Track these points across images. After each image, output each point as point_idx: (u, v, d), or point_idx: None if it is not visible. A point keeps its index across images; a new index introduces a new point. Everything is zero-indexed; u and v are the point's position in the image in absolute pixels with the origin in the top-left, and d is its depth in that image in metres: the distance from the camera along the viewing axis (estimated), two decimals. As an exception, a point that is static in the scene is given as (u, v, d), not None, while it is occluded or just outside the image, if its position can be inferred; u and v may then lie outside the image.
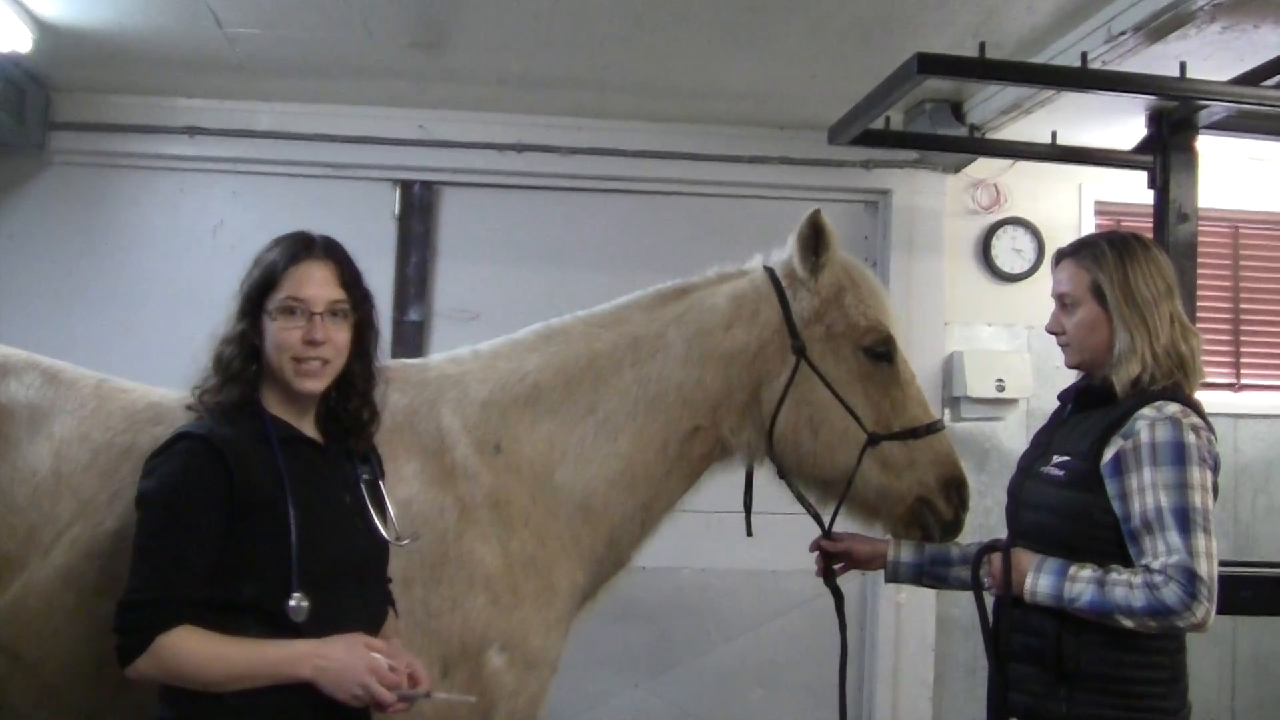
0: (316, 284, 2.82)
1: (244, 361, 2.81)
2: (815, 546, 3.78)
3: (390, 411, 3.31)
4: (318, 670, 2.61)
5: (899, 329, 3.69)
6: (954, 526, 3.62)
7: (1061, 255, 3.45)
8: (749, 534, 3.76)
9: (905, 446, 3.54)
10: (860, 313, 3.58)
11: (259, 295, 2.81)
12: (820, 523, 3.72)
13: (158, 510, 2.65)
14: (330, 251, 2.89)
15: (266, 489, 2.67)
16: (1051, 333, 3.46)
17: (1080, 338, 3.34)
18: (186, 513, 2.62)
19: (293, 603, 2.63)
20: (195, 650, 2.56)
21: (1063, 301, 3.39)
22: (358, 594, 2.83)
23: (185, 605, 2.58)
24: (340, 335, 2.86)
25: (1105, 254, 3.29)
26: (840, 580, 3.78)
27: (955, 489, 3.59)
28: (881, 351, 3.57)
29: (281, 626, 2.64)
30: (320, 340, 2.79)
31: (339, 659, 2.63)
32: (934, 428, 3.59)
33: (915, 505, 3.57)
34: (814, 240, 3.57)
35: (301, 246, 2.86)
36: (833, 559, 3.77)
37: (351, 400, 2.97)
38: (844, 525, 3.74)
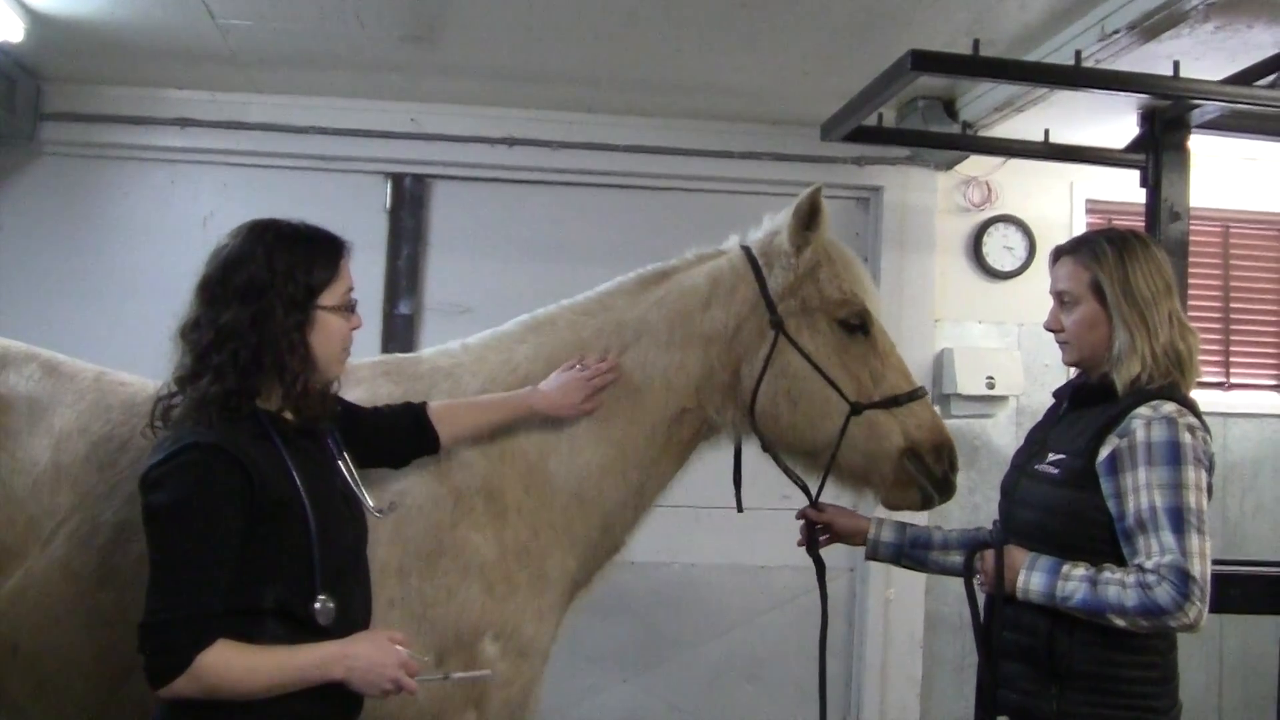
0: (351, 274, 2.90)
1: (301, 357, 2.77)
2: (801, 515, 3.79)
3: (385, 403, 3.32)
4: (349, 670, 2.61)
5: (887, 317, 3.72)
6: (946, 484, 3.59)
7: (1060, 252, 3.44)
8: (739, 510, 3.77)
9: (889, 414, 3.53)
10: (835, 286, 3.58)
11: (319, 290, 2.78)
12: (807, 493, 3.74)
13: (178, 524, 2.56)
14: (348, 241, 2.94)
15: (283, 490, 2.64)
16: (1050, 330, 3.45)
17: (1079, 336, 3.34)
18: (208, 525, 2.55)
19: (318, 605, 2.64)
20: (235, 665, 2.52)
21: (1061, 299, 3.39)
22: (355, 581, 2.84)
23: (218, 619, 2.53)
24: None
25: (1105, 252, 3.29)
26: (829, 578, 3.79)
27: (944, 451, 3.58)
28: (856, 324, 3.57)
29: (302, 626, 2.63)
30: (360, 326, 2.91)
31: (368, 656, 2.63)
32: (915, 395, 3.59)
33: (903, 463, 3.54)
34: (810, 217, 3.57)
35: (338, 241, 2.88)
36: (817, 530, 3.78)
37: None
38: (836, 498, 3.76)
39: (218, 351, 2.69)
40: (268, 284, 2.72)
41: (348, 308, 2.84)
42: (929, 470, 3.56)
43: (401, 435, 3.22)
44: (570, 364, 3.48)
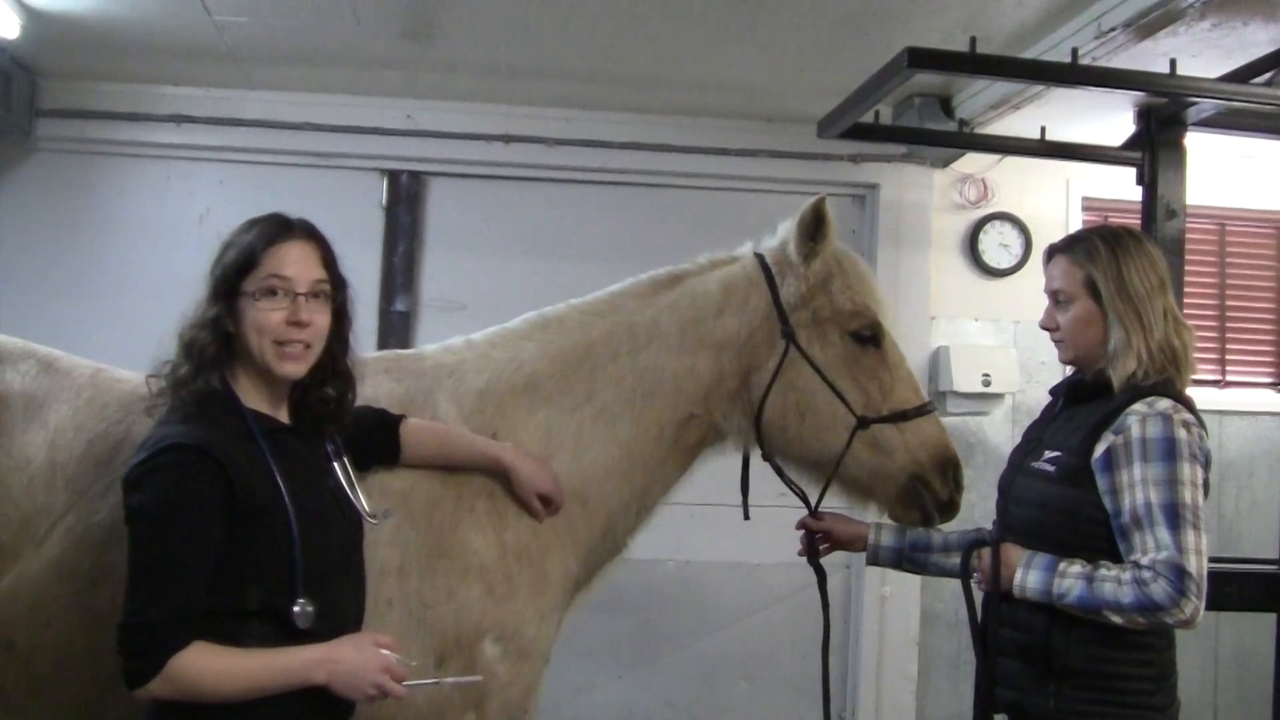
0: (299, 263, 2.75)
1: (217, 348, 2.72)
2: (800, 525, 3.79)
3: (386, 401, 3.30)
4: (331, 674, 2.59)
5: (887, 317, 3.68)
6: (950, 507, 3.58)
7: (1054, 251, 3.45)
8: (746, 517, 3.75)
9: (896, 429, 3.52)
10: (847, 298, 3.56)
11: (236, 277, 2.71)
12: (806, 502, 3.73)
13: (156, 527, 2.55)
14: (310, 231, 2.83)
15: (265, 492, 2.62)
16: (1045, 329, 3.46)
17: (1074, 334, 3.34)
18: (187, 528, 2.53)
19: (297, 608, 2.61)
20: (210, 668, 2.51)
21: (1056, 298, 3.39)
22: (347, 583, 2.82)
23: (193, 622, 2.52)
24: (321, 318, 2.79)
25: (1098, 249, 3.29)
26: (827, 577, 3.79)
27: (949, 470, 3.57)
28: (868, 335, 3.55)
29: (285, 628, 2.61)
30: (305, 321, 2.73)
31: (351, 660, 2.61)
32: (924, 410, 3.57)
33: (910, 485, 3.54)
34: (814, 227, 3.55)
35: (281, 226, 2.79)
36: (817, 538, 3.78)
37: (330, 388, 2.92)
38: (839, 507, 3.76)
39: (184, 345, 2.74)
40: (207, 272, 2.76)
41: (263, 293, 2.70)
42: (935, 494, 3.55)
43: (367, 440, 3.14)
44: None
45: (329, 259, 2.85)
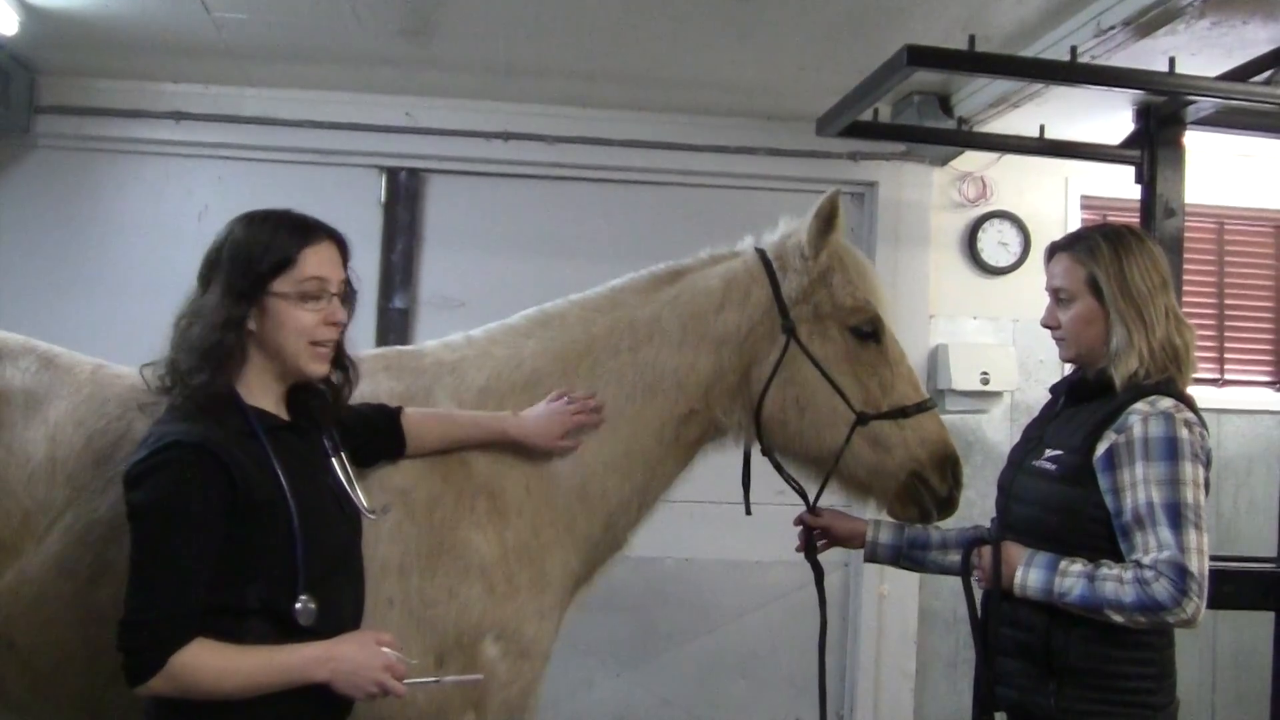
0: (331, 264, 2.79)
1: (239, 348, 2.71)
2: (798, 521, 3.79)
3: (386, 398, 3.29)
4: (333, 672, 2.59)
5: (887, 313, 3.67)
6: (948, 504, 3.58)
7: (1055, 249, 3.44)
8: (748, 512, 3.75)
9: (896, 425, 3.51)
10: (847, 293, 3.55)
11: (270, 275, 2.71)
12: (804, 498, 3.73)
13: (157, 524, 2.54)
14: (331, 231, 2.84)
15: (267, 490, 2.62)
16: (1046, 327, 3.45)
17: (1076, 332, 3.34)
18: (188, 525, 2.53)
19: (299, 605, 2.61)
20: (210, 665, 2.51)
21: (1057, 296, 3.39)
22: (347, 581, 2.82)
23: (194, 619, 2.52)
24: (344, 316, 2.83)
25: (1100, 247, 3.29)
26: (824, 573, 3.79)
27: (948, 467, 3.56)
28: (868, 331, 3.55)
29: (287, 625, 2.61)
30: (341, 321, 2.78)
31: (352, 658, 2.61)
32: (924, 406, 3.57)
33: (909, 482, 3.54)
34: (830, 221, 3.54)
35: (308, 227, 2.79)
36: (815, 535, 3.78)
37: (334, 381, 2.93)
38: (837, 503, 3.77)
39: (180, 331, 2.72)
40: (217, 266, 2.74)
41: (303, 296, 2.72)
42: (934, 491, 3.55)
43: (371, 436, 3.15)
44: (556, 395, 3.42)
45: (347, 258, 2.87)
